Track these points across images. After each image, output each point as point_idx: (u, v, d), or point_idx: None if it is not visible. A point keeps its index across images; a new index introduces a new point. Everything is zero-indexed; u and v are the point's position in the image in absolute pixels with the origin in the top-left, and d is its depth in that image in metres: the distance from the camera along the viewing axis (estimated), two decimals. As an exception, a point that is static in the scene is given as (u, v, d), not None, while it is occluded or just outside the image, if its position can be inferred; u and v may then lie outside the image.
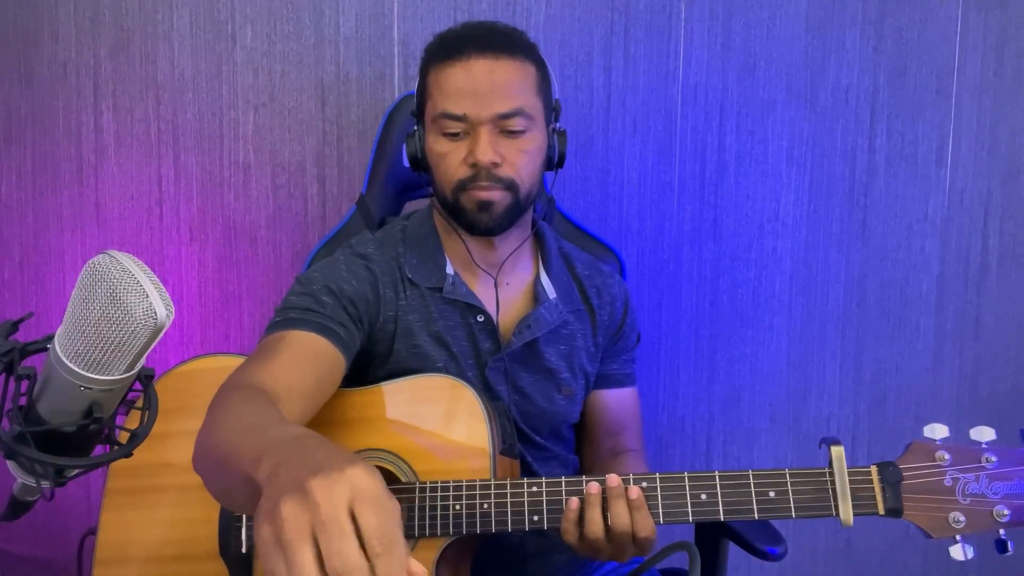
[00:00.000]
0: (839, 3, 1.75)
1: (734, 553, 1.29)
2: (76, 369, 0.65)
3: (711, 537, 1.29)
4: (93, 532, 1.16)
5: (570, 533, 1.02)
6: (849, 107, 1.78)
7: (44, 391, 0.68)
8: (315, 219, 1.71)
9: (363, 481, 0.60)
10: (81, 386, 0.66)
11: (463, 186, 1.15)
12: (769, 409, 1.84)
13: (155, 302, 0.65)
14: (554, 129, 1.22)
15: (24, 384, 0.68)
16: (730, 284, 1.81)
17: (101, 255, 0.65)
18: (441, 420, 1.12)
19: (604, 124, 1.74)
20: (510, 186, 1.15)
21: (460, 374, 1.20)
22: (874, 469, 0.98)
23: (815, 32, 1.75)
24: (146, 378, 0.72)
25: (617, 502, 1.00)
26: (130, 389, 0.71)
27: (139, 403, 0.73)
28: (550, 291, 1.25)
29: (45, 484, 0.71)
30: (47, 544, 1.76)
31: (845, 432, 1.85)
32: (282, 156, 1.70)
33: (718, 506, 1.00)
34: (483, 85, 1.13)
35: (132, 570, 1.14)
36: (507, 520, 1.04)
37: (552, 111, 1.22)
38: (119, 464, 1.16)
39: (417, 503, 1.06)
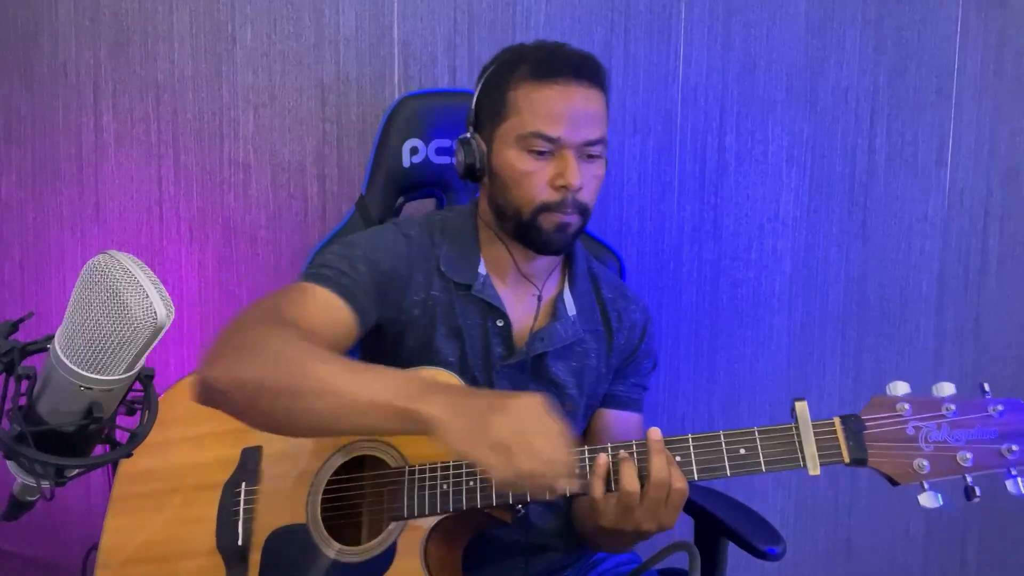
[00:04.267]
0: (839, 3, 1.75)
1: (734, 553, 1.29)
2: (76, 369, 0.65)
3: (711, 537, 1.30)
4: (97, 547, 1.18)
5: (598, 489, 1.03)
6: (849, 107, 1.78)
7: (44, 391, 0.68)
8: (315, 219, 1.71)
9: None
10: (81, 386, 0.66)
11: (547, 208, 1.17)
12: (769, 409, 1.84)
13: (155, 302, 0.65)
14: None
15: (24, 384, 0.68)
16: (730, 284, 1.81)
17: (101, 255, 0.65)
18: None
19: (604, 124, 1.74)
20: (583, 211, 1.19)
21: (467, 373, 1.21)
22: (837, 420, 1.03)
23: (815, 32, 1.75)
24: (146, 378, 0.72)
25: (658, 456, 1.01)
26: (130, 389, 0.71)
27: (139, 403, 0.73)
28: (570, 308, 1.27)
29: (45, 484, 0.72)
30: (47, 544, 1.76)
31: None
32: (282, 156, 1.70)
33: (692, 467, 1.03)
34: (579, 111, 1.16)
35: (132, 571, 1.16)
36: (491, 495, 1.06)
37: None
38: (125, 472, 1.20)
39: (406, 486, 1.08)
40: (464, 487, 1.07)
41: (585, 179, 1.17)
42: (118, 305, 0.64)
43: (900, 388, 1.02)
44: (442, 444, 0.92)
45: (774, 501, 1.82)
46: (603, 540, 1.19)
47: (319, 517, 1.11)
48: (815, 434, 1.01)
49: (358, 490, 1.15)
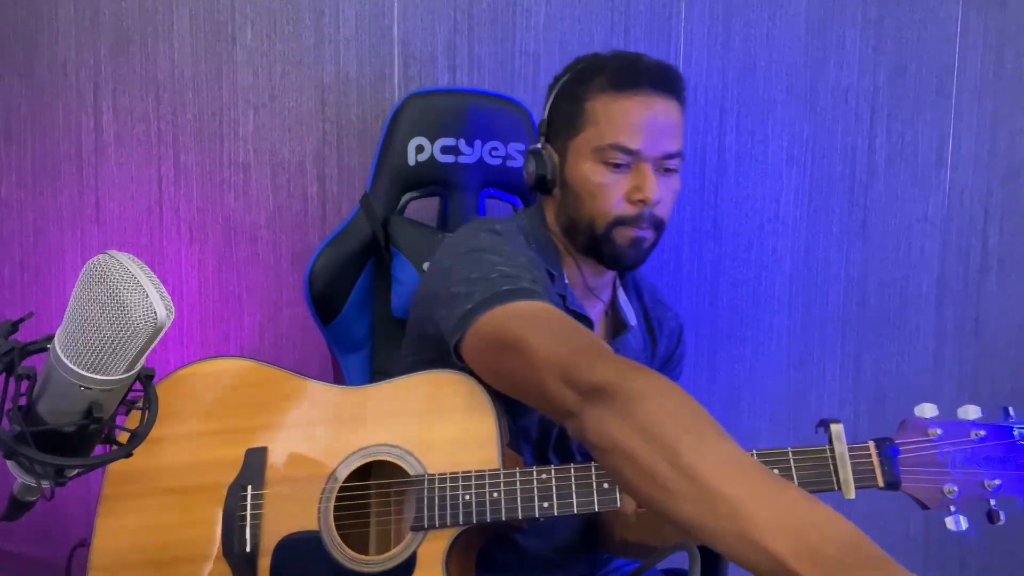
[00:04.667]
0: (839, 3, 1.75)
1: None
2: (76, 369, 0.65)
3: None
4: (83, 544, 1.15)
5: (628, 504, 1.03)
6: (849, 107, 1.78)
7: (44, 391, 0.68)
8: (315, 219, 1.71)
9: None
10: (81, 386, 0.66)
11: (622, 222, 1.15)
12: (769, 409, 1.84)
13: (155, 302, 0.65)
14: None
15: (24, 384, 0.68)
16: (730, 284, 1.81)
17: (101, 255, 0.65)
18: (448, 414, 1.12)
19: (604, 124, 1.74)
20: (658, 226, 1.17)
21: None
22: (872, 444, 1.03)
23: (815, 32, 1.75)
24: (146, 378, 0.72)
25: None
26: (130, 389, 0.71)
27: (139, 403, 0.73)
28: (631, 317, 1.27)
29: (45, 484, 0.71)
30: (47, 545, 1.76)
31: (845, 432, 1.85)
32: (282, 156, 1.70)
33: None
34: (659, 124, 1.14)
35: (131, 574, 1.13)
36: (517, 507, 1.04)
37: None
38: (115, 470, 1.15)
39: (426, 494, 1.06)
40: (488, 498, 1.05)
41: (662, 193, 1.15)
42: (118, 305, 0.64)
43: (928, 411, 1.03)
44: None
45: (774, 501, 1.82)
46: (624, 550, 1.19)
47: (332, 525, 1.09)
48: (850, 458, 1.02)
49: (372, 497, 1.13)
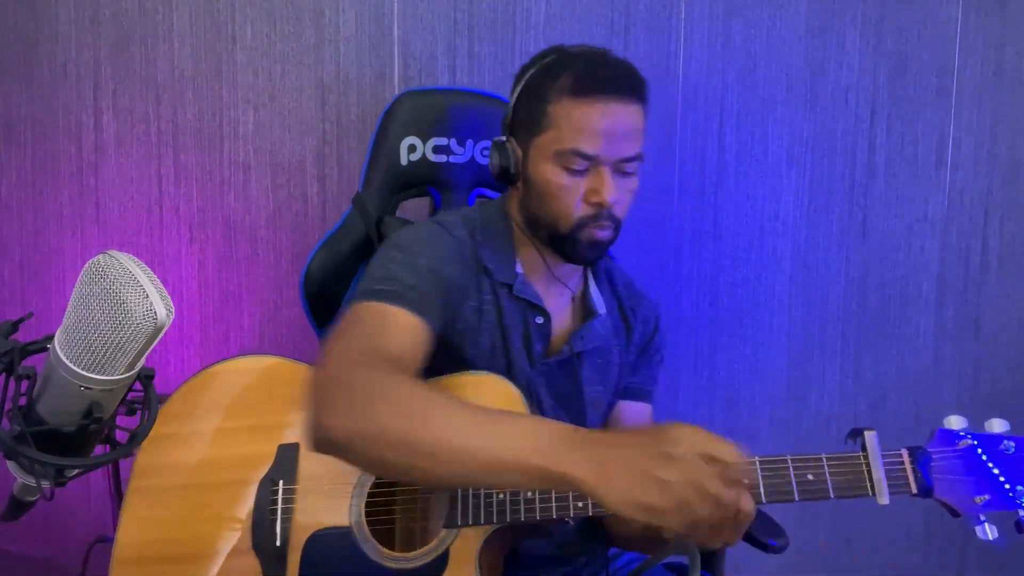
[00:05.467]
0: (839, 3, 1.75)
1: (733, 551, 1.29)
2: (76, 369, 0.65)
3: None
4: (102, 540, 1.15)
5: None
6: (849, 107, 1.78)
7: (44, 391, 0.68)
8: (315, 219, 1.71)
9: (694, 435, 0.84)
10: (81, 386, 0.66)
11: (583, 224, 1.17)
12: (769, 409, 1.84)
13: (155, 302, 0.65)
14: None
15: (24, 384, 0.68)
16: (730, 284, 1.81)
17: (101, 255, 0.65)
18: None
19: (604, 124, 1.73)
20: (617, 226, 1.20)
21: (509, 370, 1.20)
22: (905, 452, 1.06)
23: (815, 32, 1.75)
24: (146, 378, 0.72)
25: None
26: (130, 389, 0.71)
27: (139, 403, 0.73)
28: (600, 306, 1.29)
29: (45, 484, 0.71)
30: (47, 544, 1.76)
31: (845, 432, 1.85)
32: (282, 156, 1.70)
33: (760, 489, 1.03)
34: (617, 130, 1.15)
35: (155, 569, 1.12)
36: (551, 507, 1.04)
37: None
38: (143, 463, 1.16)
39: (460, 492, 1.07)
40: (522, 497, 1.05)
41: (619, 194, 1.17)
42: (118, 305, 0.64)
43: (956, 422, 1.07)
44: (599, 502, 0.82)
45: (774, 501, 1.82)
46: (650, 547, 1.18)
47: (364, 520, 1.09)
48: (884, 465, 1.05)
49: (404, 494, 1.13)
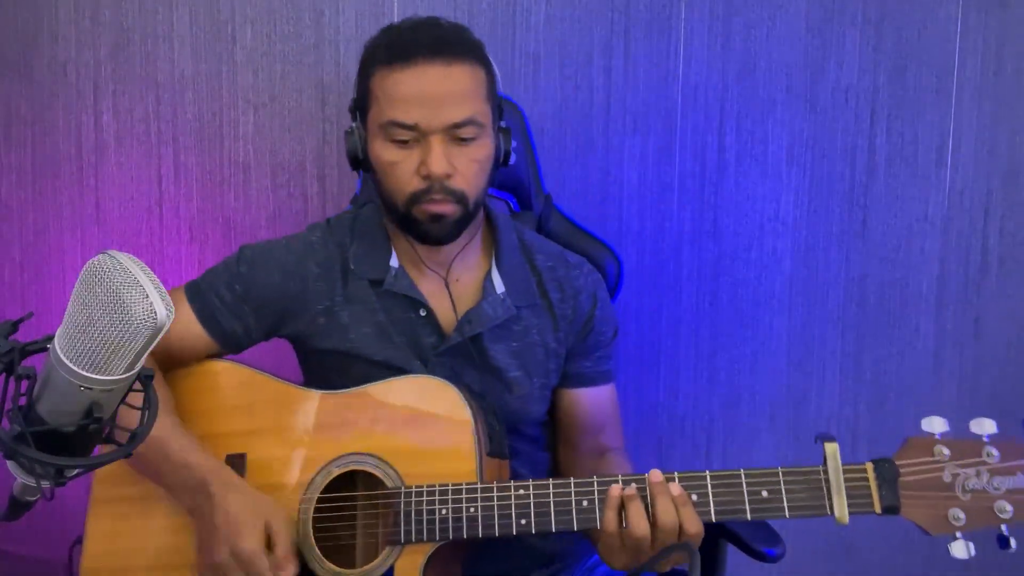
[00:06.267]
0: (839, 3, 1.75)
1: (733, 554, 1.29)
2: (76, 369, 0.65)
3: (709, 538, 1.29)
4: (80, 541, 1.15)
5: (612, 523, 0.99)
6: (849, 107, 1.78)
7: (44, 391, 0.68)
8: (315, 219, 1.70)
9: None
10: (81, 386, 0.66)
11: (416, 199, 1.12)
12: (769, 409, 1.84)
13: (155, 302, 0.65)
14: (499, 128, 1.19)
15: (24, 384, 0.68)
16: (730, 284, 1.81)
17: (101, 255, 0.65)
18: (426, 422, 1.11)
19: (604, 124, 1.73)
20: (460, 199, 1.13)
21: (399, 368, 1.18)
22: (869, 466, 0.97)
23: (815, 32, 1.75)
24: (146, 378, 0.72)
25: (662, 498, 0.97)
26: (130, 389, 0.71)
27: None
28: (498, 286, 1.21)
29: (45, 484, 0.71)
30: (47, 545, 1.76)
31: (845, 432, 1.85)
32: (282, 156, 1.70)
33: (709, 507, 0.99)
34: (435, 93, 1.09)
35: None
36: (494, 524, 1.03)
37: (499, 111, 1.19)
38: (103, 472, 1.16)
39: (403, 508, 1.05)
40: (464, 514, 1.03)
41: (458, 163, 1.11)
42: (118, 305, 0.64)
43: (936, 424, 0.96)
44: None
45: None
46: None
47: (311, 536, 1.08)
48: (845, 480, 0.96)
49: (351, 509, 1.12)
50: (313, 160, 1.70)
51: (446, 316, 1.21)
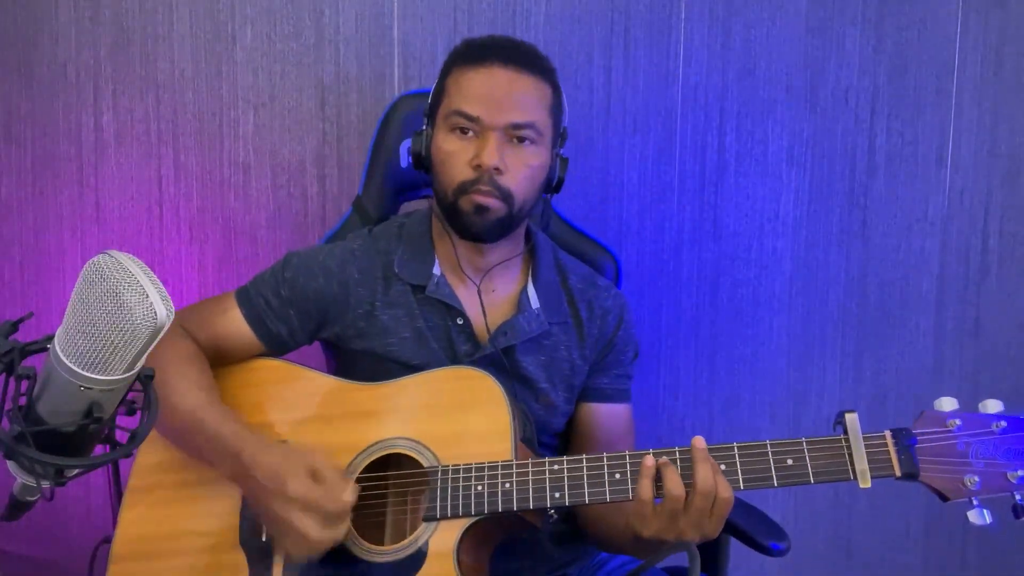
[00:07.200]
0: (839, 3, 1.75)
1: (735, 553, 1.29)
2: (76, 369, 0.65)
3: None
4: (108, 541, 1.17)
5: (647, 490, 1.01)
6: (849, 107, 1.78)
7: (44, 391, 0.68)
8: (315, 219, 1.71)
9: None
10: (81, 386, 0.66)
11: (464, 188, 1.17)
12: (769, 409, 1.84)
13: (155, 302, 0.65)
14: (557, 154, 1.24)
15: (24, 384, 0.68)
16: (730, 284, 1.81)
17: (101, 255, 0.65)
18: (463, 408, 1.14)
19: (604, 124, 1.74)
20: (507, 197, 1.17)
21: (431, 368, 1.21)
22: (888, 434, 1.02)
23: (815, 32, 1.75)
24: (146, 378, 0.72)
25: (703, 464, 1.01)
26: (130, 389, 0.71)
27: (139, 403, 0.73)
28: (534, 301, 1.26)
29: (45, 484, 0.72)
30: (46, 544, 1.76)
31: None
32: (282, 156, 1.70)
33: (737, 475, 1.02)
34: (501, 93, 1.16)
35: (149, 565, 1.15)
36: (528, 497, 1.05)
37: (560, 136, 1.25)
38: (142, 463, 1.20)
39: (439, 485, 1.08)
40: (500, 489, 1.06)
41: (510, 162, 1.16)
42: (118, 305, 0.64)
43: (947, 404, 1.02)
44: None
45: (774, 500, 1.82)
46: (634, 548, 1.17)
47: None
48: (866, 448, 1.01)
49: (386, 488, 1.14)
50: (313, 160, 1.70)
51: (478, 325, 1.25)
